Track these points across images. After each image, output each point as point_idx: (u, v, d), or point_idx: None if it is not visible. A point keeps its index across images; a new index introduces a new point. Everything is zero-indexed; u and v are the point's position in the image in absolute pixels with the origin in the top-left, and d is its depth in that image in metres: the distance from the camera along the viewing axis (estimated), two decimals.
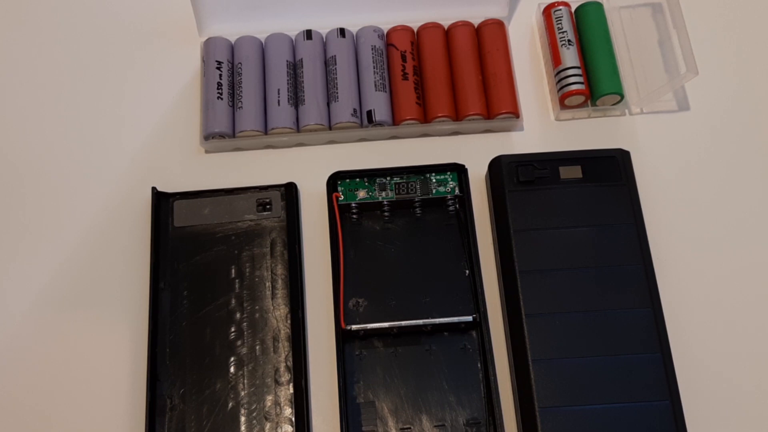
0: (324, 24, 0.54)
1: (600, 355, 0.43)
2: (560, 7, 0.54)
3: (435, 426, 0.44)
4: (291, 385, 0.45)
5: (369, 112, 0.51)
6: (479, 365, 0.45)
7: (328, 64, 0.53)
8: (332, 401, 0.45)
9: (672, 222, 0.49)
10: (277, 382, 0.45)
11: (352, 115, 0.51)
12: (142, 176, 0.51)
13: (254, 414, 0.45)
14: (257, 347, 0.46)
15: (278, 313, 0.47)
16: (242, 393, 0.45)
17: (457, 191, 0.49)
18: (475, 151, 0.51)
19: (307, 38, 0.53)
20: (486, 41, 0.53)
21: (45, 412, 0.45)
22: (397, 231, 0.49)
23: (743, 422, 0.45)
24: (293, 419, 0.44)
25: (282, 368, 0.45)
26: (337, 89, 0.52)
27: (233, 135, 0.51)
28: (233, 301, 0.47)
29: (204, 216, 0.49)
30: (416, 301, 0.47)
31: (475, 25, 0.54)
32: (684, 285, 0.48)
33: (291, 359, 0.45)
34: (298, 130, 0.51)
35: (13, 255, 0.49)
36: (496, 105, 0.51)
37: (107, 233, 0.49)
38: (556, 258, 0.46)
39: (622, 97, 0.52)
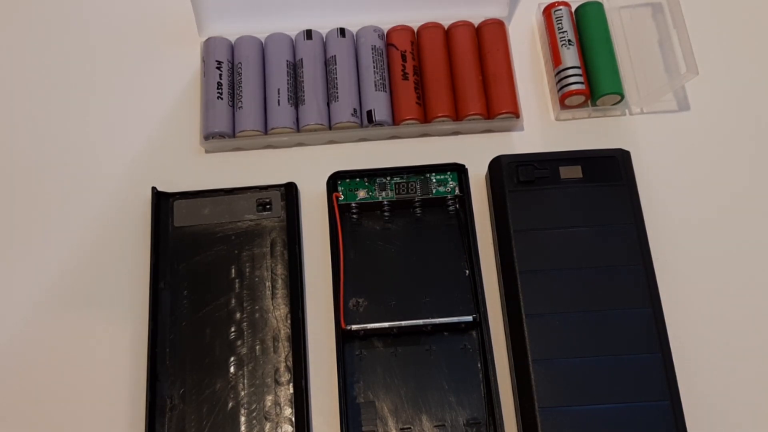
0: (324, 24, 0.54)
1: (600, 355, 0.43)
2: (560, 7, 0.54)
3: (435, 426, 0.44)
4: (291, 385, 0.45)
5: (369, 112, 0.51)
6: (479, 365, 0.45)
7: (328, 64, 0.53)
8: (332, 401, 0.45)
9: (672, 222, 0.49)
10: (277, 382, 0.45)
11: (352, 115, 0.51)
12: (142, 176, 0.51)
13: (254, 414, 0.45)
14: (257, 347, 0.46)
15: (278, 313, 0.47)
16: (242, 393, 0.45)
17: (457, 191, 0.49)
18: (475, 151, 0.51)
19: (307, 38, 0.53)
20: (486, 41, 0.53)
21: (45, 412, 0.45)
22: (397, 231, 0.49)
23: (743, 422, 0.45)
24: (293, 419, 0.44)
25: (282, 368, 0.45)
26: (337, 89, 0.52)
27: (233, 135, 0.51)
28: (233, 301, 0.47)
29: (204, 216, 0.49)
30: (416, 301, 0.47)
31: (475, 25, 0.54)
32: (684, 285, 0.48)
33: (291, 359, 0.45)
34: (298, 130, 0.51)
35: (13, 255, 0.49)
36: (496, 105, 0.51)
37: (107, 233, 0.49)
38: (556, 258, 0.46)
39: (622, 97, 0.52)
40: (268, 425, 0.44)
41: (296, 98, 0.52)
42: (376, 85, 0.52)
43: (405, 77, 0.52)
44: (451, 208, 0.49)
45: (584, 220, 0.47)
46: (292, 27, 0.54)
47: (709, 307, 0.47)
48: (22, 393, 0.46)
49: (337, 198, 0.48)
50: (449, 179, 0.49)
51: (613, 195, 0.47)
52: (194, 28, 0.53)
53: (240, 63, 0.52)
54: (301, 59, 0.53)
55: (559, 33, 0.53)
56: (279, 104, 0.51)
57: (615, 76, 0.52)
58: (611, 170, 0.48)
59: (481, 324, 0.45)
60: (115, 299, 0.48)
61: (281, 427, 0.44)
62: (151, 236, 0.47)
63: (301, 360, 0.45)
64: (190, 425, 0.44)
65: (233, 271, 0.48)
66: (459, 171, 0.49)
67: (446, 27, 0.54)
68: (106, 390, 0.46)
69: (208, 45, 0.53)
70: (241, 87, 0.52)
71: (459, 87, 0.52)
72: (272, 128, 0.51)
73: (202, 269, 0.48)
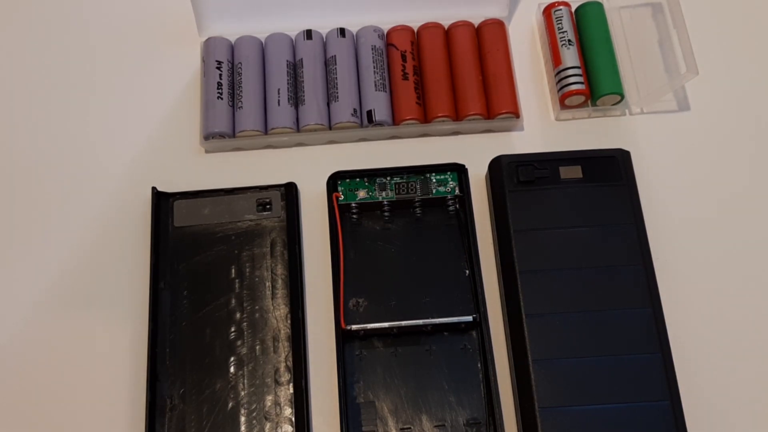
0: (324, 24, 0.54)
1: (600, 355, 0.43)
2: (560, 7, 0.54)
3: (435, 426, 0.44)
4: (291, 385, 0.45)
5: (369, 112, 0.51)
6: (479, 365, 0.45)
7: (328, 64, 0.53)
8: (332, 401, 0.45)
9: (672, 222, 0.49)
10: (277, 382, 0.45)
11: (352, 115, 0.51)
12: (142, 176, 0.51)
13: (254, 414, 0.45)
14: (257, 347, 0.46)
15: (278, 313, 0.47)
16: (242, 393, 0.45)
17: (457, 191, 0.49)
18: (475, 151, 0.51)
19: (307, 38, 0.53)
20: (486, 41, 0.53)
21: (45, 412, 0.45)
22: (397, 231, 0.49)
23: (743, 422, 0.45)
24: (293, 419, 0.44)
25: (282, 368, 0.45)
26: (337, 89, 0.52)
27: (233, 135, 0.51)
28: (233, 301, 0.47)
29: (204, 216, 0.49)
30: (416, 301, 0.46)
31: (475, 25, 0.54)
32: (684, 285, 0.48)
33: (291, 359, 0.45)
34: (298, 130, 0.51)
35: (13, 255, 0.49)
36: (496, 105, 0.51)
37: (107, 233, 0.49)
38: (556, 258, 0.46)
39: (622, 97, 0.52)
40: (268, 425, 0.44)
41: (296, 98, 0.52)
42: (376, 85, 0.52)
43: (405, 77, 0.52)
44: (451, 208, 0.49)
45: (584, 220, 0.47)
46: (292, 27, 0.54)
47: (709, 307, 0.47)
48: (22, 393, 0.46)
49: (337, 198, 0.48)
50: (449, 179, 0.49)
51: (613, 195, 0.47)
52: (194, 28, 0.53)
53: (240, 63, 0.52)
54: (301, 59, 0.53)
55: (559, 33, 0.53)
56: (279, 104, 0.51)
57: (615, 76, 0.52)
58: (611, 170, 0.48)
59: (481, 324, 0.45)
60: (115, 299, 0.48)
61: (281, 427, 0.44)
62: (151, 236, 0.47)
63: (301, 360, 0.45)
64: (190, 425, 0.44)
65: (233, 271, 0.48)
66: (459, 171, 0.49)
67: (446, 27, 0.54)
68: (106, 390, 0.46)
69: (208, 45, 0.53)
70: (241, 87, 0.52)
71: (459, 87, 0.52)
72: (272, 128, 0.51)
73: (202, 269, 0.48)
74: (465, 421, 0.44)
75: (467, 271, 0.47)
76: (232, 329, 0.46)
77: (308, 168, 0.51)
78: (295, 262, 0.47)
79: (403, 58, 0.53)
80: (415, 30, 0.54)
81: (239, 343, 0.46)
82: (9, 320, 0.48)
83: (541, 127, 0.53)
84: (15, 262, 0.49)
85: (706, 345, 0.46)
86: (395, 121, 0.52)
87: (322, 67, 0.53)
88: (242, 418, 0.44)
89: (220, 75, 0.52)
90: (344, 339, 0.45)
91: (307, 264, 0.48)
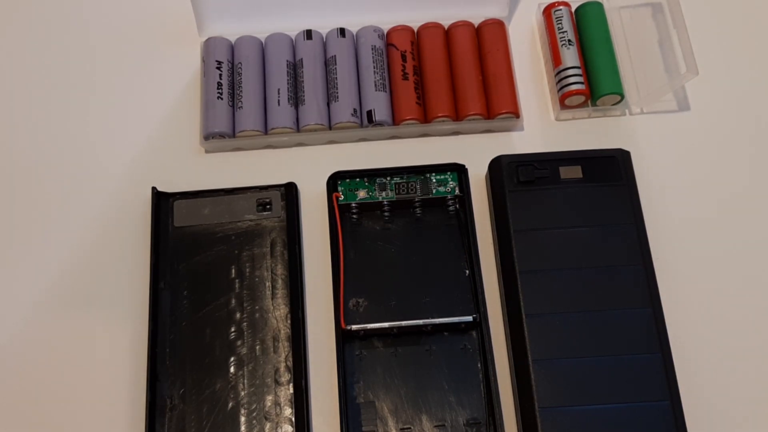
0: (324, 24, 0.54)
1: (600, 355, 0.43)
2: (560, 7, 0.54)
3: (435, 426, 0.44)
4: (291, 385, 0.45)
5: (369, 112, 0.51)
6: (479, 365, 0.45)
7: (328, 64, 0.53)
8: (332, 401, 0.45)
9: (672, 222, 0.49)
10: (277, 382, 0.45)
11: (352, 115, 0.51)
12: (142, 176, 0.51)
13: (254, 414, 0.45)
14: (257, 347, 0.46)
15: (278, 313, 0.47)
16: (242, 393, 0.45)
17: (457, 191, 0.49)
18: (475, 151, 0.51)
19: (307, 38, 0.53)
20: (486, 41, 0.53)
21: (45, 412, 0.45)
22: (397, 231, 0.49)
23: (743, 422, 0.45)
24: (293, 419, 0.44)
25: (282, 368, 0.45)
26: (337, 89, 0.52)
27: (233, 135, 0.51)
28: (233, 301, 0.47)
29: (204, 216, 0.49)
30: (416, 301, 0.46)
31: (475, 25, 0.54)
32: (684, 285, 0.48)
33: (291, 359, 0.45)
34: (298, 130, 0.51)
35: (13, 255, 0.49)
36: (496, 105, 0.51)
37: (107, 233, 0.49)
38: (556, 258, 0.46)
39: (622, 97, 0.52)
40: (268, 425, 0.44)
41: (296, 98, 0.52)
42: (376, 85, 0.52)
43: (405, 77, 0.52)
44: (451, 208, 0.49)
45: (584, 220, 0.47)
46: (292, 27, 0.54)
47: (709, 307, 0.47)
48: (22, 393, 0.46)
49: (337, 198, 0.48)
50: (449, 179, 0.49)
51: (613, 195, 0.47)
52: (194, 28, 0.53)
53: (240, 63, 0.52)
54: (301, 59, 0.53)
55: (559, 33, 0.53)
56: (279, 104, 0.51)
57: (615, 76, 0.52)
58: (611, 170, 0.48)
59: (481, 324, 0.45)
60: (115, 299, 0.48)
61: (281, 427, 0.44)
62: (151, 236, 0.47)
63: (301, 360, 0.45)
64: (190, 425, 0.44)
65: (233, 271, 0.48)
66: (459, 171, 0.49)
67: (446, 27, 0.54)
68: (106, 390, 0.46)
69: (208, 45, 0.53)
70: (241, 87, 0.52)
71: (459, 87, 0.52)
72: (272, 128, 0.51)
73: (202, 269, 0.48)
74: (465, 421, 0.44)
75: (467, 271, 0.47)
76: (232, 329, 0.46)
77: (308, 168, 0.51)
78: (295, 262, 0.47)
79: (403, 58, 0.53)
80: (415, 30, 0.54)
81: (239, 343, 0.46)
82: (9, 320, 0.48)
83: (541, 127, 0.53)
84: (15, 262, 0.49)
85: (706, 345, 0.46)
86: (395, 121, 0.52)
87: (322, 67, 0.53)
88: (242, 418, 0.44)
89: (220, 75, 0.52)
90: (344, 339, 0.45)
91: (307, 264, 0.48)
